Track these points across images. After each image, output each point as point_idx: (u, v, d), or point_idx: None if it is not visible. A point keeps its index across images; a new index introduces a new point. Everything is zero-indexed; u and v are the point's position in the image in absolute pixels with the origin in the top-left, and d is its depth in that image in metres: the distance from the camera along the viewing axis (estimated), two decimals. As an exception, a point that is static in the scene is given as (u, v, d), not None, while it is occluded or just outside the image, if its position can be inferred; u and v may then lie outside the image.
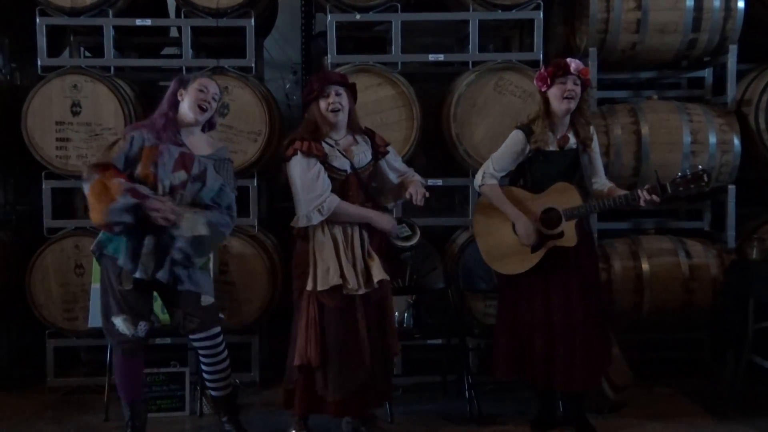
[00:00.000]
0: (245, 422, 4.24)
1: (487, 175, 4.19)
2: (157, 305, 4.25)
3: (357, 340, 3.91)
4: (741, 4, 5.25)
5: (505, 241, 4.18)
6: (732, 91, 5.36)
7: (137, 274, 3.78)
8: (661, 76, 5.83)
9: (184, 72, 4.96)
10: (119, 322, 3.86)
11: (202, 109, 3.90)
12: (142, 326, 3.89)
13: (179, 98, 3.92)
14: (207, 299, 3.97)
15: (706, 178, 3.82)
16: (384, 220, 4.02)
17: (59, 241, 5.09)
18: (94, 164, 3.84)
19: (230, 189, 4.01)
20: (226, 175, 3.99)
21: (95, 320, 4.72)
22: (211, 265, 4.46)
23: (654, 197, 3.87)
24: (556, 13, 5.71)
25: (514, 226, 4.14)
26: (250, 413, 4.55)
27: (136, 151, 3.80)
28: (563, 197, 4.05)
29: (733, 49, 5.31)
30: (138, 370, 4.02)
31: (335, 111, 3.95)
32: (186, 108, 3.91)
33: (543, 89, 4.09)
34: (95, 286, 4.75)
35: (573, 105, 4.05)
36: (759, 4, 5.48)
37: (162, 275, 3.79)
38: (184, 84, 3.94)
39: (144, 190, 3.74)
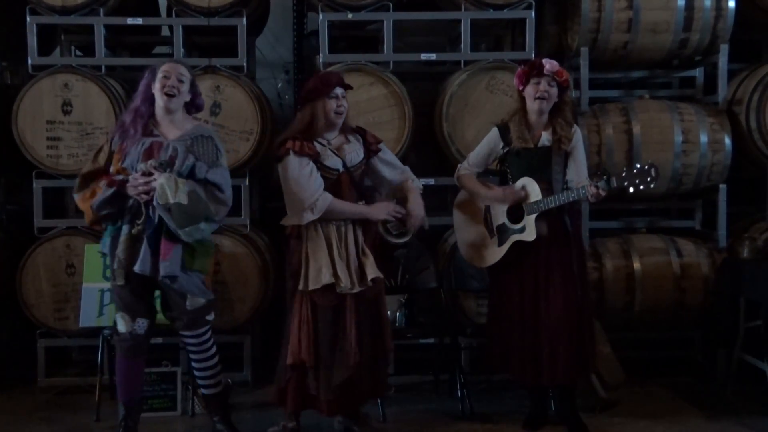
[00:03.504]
0: (237, 421, 4.24)
1: (462, 168, 4.37)
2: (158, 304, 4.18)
3: (344, 339, 3.89)
4: (732, 4, 5.26)
5: (476, 235, 4.34)
6: (723, 90, 5.37)
7: (115, 266, 3.85)
8: (653, 75, 5.84)
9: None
10: (118, 319, 3.89)
11: (169, 95, 3.88)
12: (140, 323, 3.88)
13: (153, 91, 3.91)
14: (195, 302, 3.94)
15: (653, 173, 3.82)
16: (379, 211, 3.99)
17: (50, 240, 5.07)
18: (83, 174, 3.97)
19: (207, 163, 3.88)
20: (202, 151, 3.90)
21: (86, 320, 4.73)
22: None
23: (600, 191, 3.87)
24: (547, 13, 5.72)
25: (485, 219, 4.28)
26: (241, 413, 4.54)
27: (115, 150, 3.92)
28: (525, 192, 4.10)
29: (724, 48, 5.33)
30: (137, 370, 4.01)
31: (340, 114, 3.95)
32: (157, 97, 3.90)
33: (520, 88, 4.17)
34: (86, 286, 4.76)
35: (545, 105, 4.09)
36: (749, 4, 5.49)
37: (139, 267, 3.77)
38: (153, 75, 3.93)
39: (121, 177, 3.81)
